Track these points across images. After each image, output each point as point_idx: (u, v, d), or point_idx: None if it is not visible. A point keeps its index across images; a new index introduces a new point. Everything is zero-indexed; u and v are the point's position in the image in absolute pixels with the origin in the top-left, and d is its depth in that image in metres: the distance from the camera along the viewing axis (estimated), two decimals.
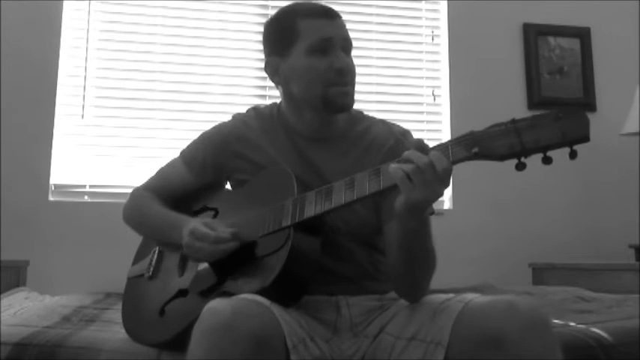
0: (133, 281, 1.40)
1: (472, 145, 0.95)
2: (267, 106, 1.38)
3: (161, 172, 1.44)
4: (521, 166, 0.94)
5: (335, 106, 1.22)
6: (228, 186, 1.40)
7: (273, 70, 1.29)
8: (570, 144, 0.90)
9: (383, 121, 1.34)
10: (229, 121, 1.38)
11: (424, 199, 0.96)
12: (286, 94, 1.29)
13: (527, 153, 0.92)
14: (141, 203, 1.40)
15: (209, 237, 1.15)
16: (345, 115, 1.29)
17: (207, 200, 1.36)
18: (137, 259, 1.44)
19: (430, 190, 0.95)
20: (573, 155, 0.91)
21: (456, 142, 0.97)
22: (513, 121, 0.94)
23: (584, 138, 0.89)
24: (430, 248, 1.09)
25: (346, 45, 1.23)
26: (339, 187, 1.08)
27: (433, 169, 0.94)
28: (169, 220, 1.29)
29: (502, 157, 0.94)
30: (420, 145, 0.99)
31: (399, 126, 1.34)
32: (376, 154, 1.25)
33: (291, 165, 1.22)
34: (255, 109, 1.37)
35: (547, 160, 0.92)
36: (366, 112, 1.38)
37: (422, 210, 1.01)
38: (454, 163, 0.97)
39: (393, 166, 0.97)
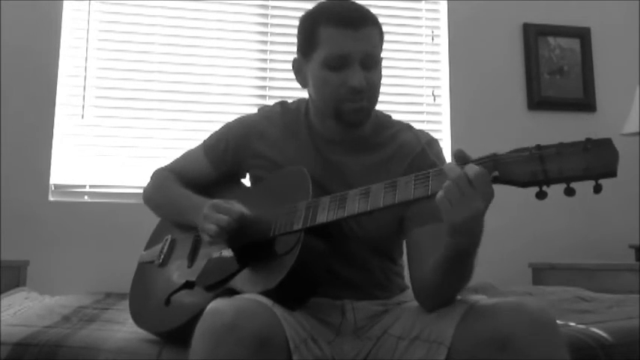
0: (143, 267, 1.41)
1: (493, 169, 0.91)
2: (295, 102, 1.35)
3: (183, 158, 1.44)
4: (542, 195, 0.90)
5: (346, 121, 1.20)
6: (246, 181, 1.39)
7: (297, 68, 1.27)
8: (595, 178, 0.86)
9: (410, 127, 1.31)
10: (254, 115, 1.36)
11: (463, 218, 0.91)
12: (310, 95, 1.28)
13: (550, 182, 0.88)
14: (164, 184, 1.40)
15: (224, 207, 1.15)
16: (372, 118, 1.26)
17: (224, 194, 1.34)
18: (149, 245, 1.44)
19: (466, 206, 0.89)
20: (598, 189, 0.87)
21: (476, 163, 0.93)
22: (538, 147, 0.89)
23: (611, 173, 0.85)
24: (473, 265, 1.04)
25: (367, 59, 1.16)
26: (354, 196, 1.06)
27: (468, 181, 0.89)
28: (192, 202, 1.28)
29: (523, 185, 0.90)
30: (459, 156, 0.94)
31: (426, 133, 1.31)
32: (401, 162, 1.22)
33: (312, 165, 1.20)
34: (282, 105, 1.35)
35: (570, 192, 0.88)
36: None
37: (469, 230, 0.94)
38: None
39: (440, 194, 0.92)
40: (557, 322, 1.40)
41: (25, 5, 2.64)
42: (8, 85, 2.59)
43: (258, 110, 1.37)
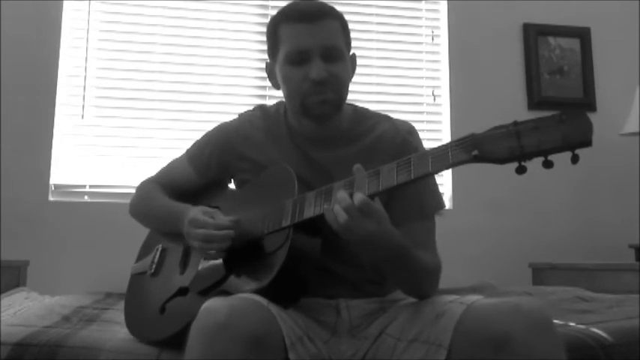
0: (136, 278, 1.41)
1: (472, 148, 0.93)
2: (273, 105, 1.37)
3: (167, 169, 1.45)
4: (521, 170, 0.91)
5: (312, 114, 1.21)
6: (232, 185, 1.40)
7: (269, 72, 1.30)
8: (571, 148, 0.87)
9: (388, 118, 1.33)
10: (235, 120, 1.38)
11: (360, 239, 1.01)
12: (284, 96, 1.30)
13: (528, 157, 0.90)
14: (147, 196, 1.41)
15: (208, 224, 1.17)
16: (348, 114, 1.28)
17: (210, 199, 1.36)
18: (141, 257, 1.45)
19: (361, 229, 0.99)
20: (575, 159, 0.88)
21: (456, 144, 0.95)
22: (515, 123, 0.91)
23: (586, 142, 0.86)
24: (413, 268, 1.10)
25: (327, 52, 1.18)
26: (339, 188, 1.07)
27: (358, 210, 0.98)
28: (175, 211, 1.29)
29: (502, 161, 0.91)
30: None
31: (405, 123, 1.33)
32: (383, 152, 1.23)
33: (296, 165, 1.21)
34: (262, 108, 1.36)
35: (548, 164, 0.90)
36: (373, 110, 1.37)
37: (373, 246, 1.03)
38: (453, 165, 0.95)
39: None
40: (558, 322, 1.41)
41: (25, 5, 2.64)
42: (8, 85, 2.59)
43: (239, 115, 1.39)
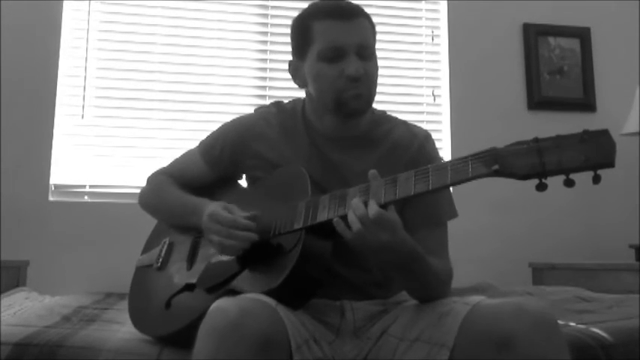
0: (141, 271, 1.40)
1: (493, 162, 0.92)
2: (290, 102, 1.36)
3: (179, 161, 1.44)
4: (541, 187, 0.90)
5: (348, 109, 1.20)
6: (243, 182, 1.39)
7: (293, 71, 1.29)
8: (593, 168, 0.86)
9: (405, 123, 1.33)
10: (250, 115, 1.36)
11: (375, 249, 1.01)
12: (307, 95, 1.29)
13: (548, 174, 0.89)
14: (160, 187, 1.40)
15: (230, 221, 1.14)
16: (368, 116, 1.28)
17: (221, 195, 1.34)
18: (147, 249, 1.44)
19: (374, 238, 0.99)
20: (597, 180, 0.87)
21: (476, 157, 0.94)
22: (536, 140, 0.90)
23: (609, 163, 0.85)
24: (427, 275, 1.10)
25: (362, 50, 1.18)
26: (354, 194, 1.05)
27: (372, 222, 0.97)
28: (191, 204, 1.28)
29: (522, 177, 0.90)
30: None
31: (421, 128, 1.33)
32: (399, 158, 1.23)
33: (310, 165, 1.20)
34: (277, 105, 1.35)
35: (569, 183, 0.89)
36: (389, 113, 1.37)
37: (386, 254, 1.02)
38: (473, 179, 0.94)
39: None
40: (558, 321, 1.41)
41: (25, 5, 2.64)
42: (8, 85, 2.59)
43: (254, 111, 1.38)
